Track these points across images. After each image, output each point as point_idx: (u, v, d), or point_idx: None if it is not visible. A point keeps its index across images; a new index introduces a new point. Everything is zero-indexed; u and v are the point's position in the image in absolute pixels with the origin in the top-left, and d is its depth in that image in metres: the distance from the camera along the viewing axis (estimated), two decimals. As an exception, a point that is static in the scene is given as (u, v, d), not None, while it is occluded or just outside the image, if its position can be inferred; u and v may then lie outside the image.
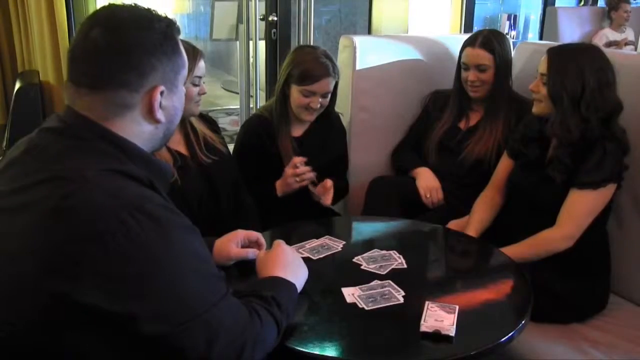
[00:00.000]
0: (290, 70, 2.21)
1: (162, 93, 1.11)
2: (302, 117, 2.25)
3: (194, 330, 1.03)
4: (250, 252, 1.58)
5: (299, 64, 2.19)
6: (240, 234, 1.61)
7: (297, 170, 2.15)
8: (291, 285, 1.36)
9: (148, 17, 1.11)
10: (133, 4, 1.14)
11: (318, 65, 2.17)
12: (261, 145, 2.27)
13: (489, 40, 2.36)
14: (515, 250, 1.86)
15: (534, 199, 2.01)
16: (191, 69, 1.77)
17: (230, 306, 1.11)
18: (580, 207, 1.90)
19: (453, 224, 2.19)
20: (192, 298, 1.04)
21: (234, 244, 1.59)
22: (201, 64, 1.87)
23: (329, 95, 2.24)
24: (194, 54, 1.83)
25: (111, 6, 1.13)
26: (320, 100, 2.20)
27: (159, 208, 1.02)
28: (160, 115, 1.12)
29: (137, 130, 1.12)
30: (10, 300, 1.00)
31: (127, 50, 1.07)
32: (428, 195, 2.39)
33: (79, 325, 0.98)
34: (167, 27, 1.12)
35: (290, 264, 1.43)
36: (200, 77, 1.87)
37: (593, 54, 1.93)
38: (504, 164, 2.20)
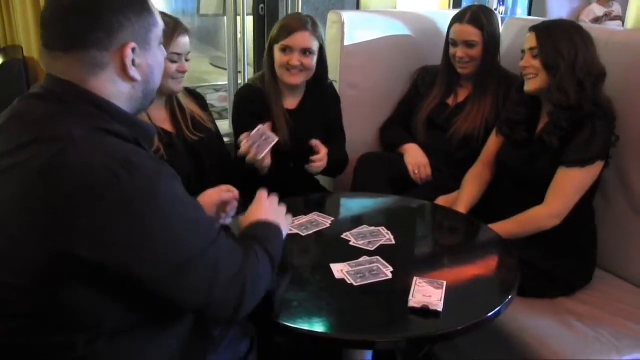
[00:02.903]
0: (271, 33, 2.21)
1: (133, 50, 1.11)
2: (285, 79, 2.20)
3: (192, 272, 1.06)
4: (223, 218, 1.61)
5: (279, 24, 2.21)
6: (215, 198, 1.62)
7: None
8: (277, 227, 1.38)
9: None
10: None
11: (294, 19, 2.19)
12: (257, 112, 2.22)
13: (477, 16, 2.35)
14: (503, 227, 1.87)
15: (522, 176, 2.02)
16: (167, 45, 1.72)
17: (225, 244, 1.15)
18: (568, 185, 1.91)
19: (442, 200, 2.20)
20: (187, 240, 1.07)
21: (207, 209, 1.58)
22: (181, 40, 1.84)
23: (311, 56, 2.19)
24: (173, 29, 1.81)
25: None
26: (299, 57, 2.16)
27: (146, 159, 1.05)
28: (134, 72, 1.12)
29: (115, 91, 1.12)
30: (8, 262, 1.01)
31: (94, 9, 1.07)
32: (416, 172, 2.40)
33: (81, 281, 1.00)
34: None
35: (273, 210, 1.45)
36: (179, 54, 1.84)
37: (575, 25, 1.98)
38: (493, 141, 2.20)
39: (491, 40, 2.36)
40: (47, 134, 1.03)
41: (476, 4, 2.59)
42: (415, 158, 2.42)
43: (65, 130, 1.02)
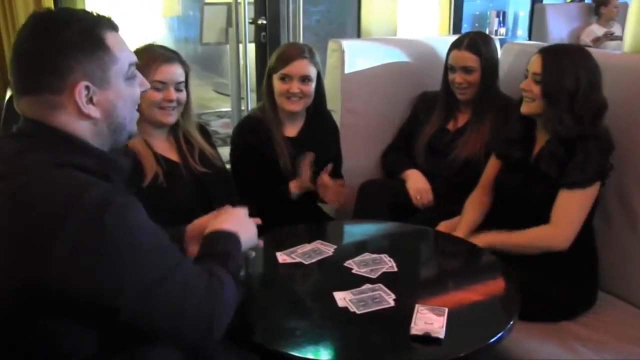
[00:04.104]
0: (270, 63, 2.27)
1: (88, 88, 1.12)
2: (285, 106, 2.24)
3: (152, 299, 1.07)
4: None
5: (276, 53, 2.26)
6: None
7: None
8: (233, 235, 1.36)
9: (65, 19, 1.14)
10: (61, 7, 1.19)
11: (291, 48, 2.26)
12: (257, 144, 2.27)
13: (474, 42, 2.39)
14: (512, 239, 1.90)
15: (519, 199, 2.03)
16: (147, 74, 1.71)
17: (187, 272, 1.15)
18: (574, 207, 1.92)
19: (443, 226, 2.21)
20: (141, 268, 1.07)
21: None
22: (165, 68, 1.85)
23: (310, 83, 2.23)
24: (155, 58, 1.84)
25: (37, 12, 1.18)
26: (299, 85, 2.20)
27: (103, 190, 1.06)
28: (89, 110, 1.13)
29: (79, 128, 1.14)
30: None
31: (41, 55, 1.11)
32: (418, 197, 2.41)
33: (48, 310, 1.03)
34: (86, 26, 1.13)
35: (231, 219, 1.42)
36: (163, 83, 1.85)
37: (584, 54, 1.97)
38: (492, 165, 2.22)
39: (489, 65, 2.39)
40: (13, 170, 1.07)
41: (475, 29, 2.63)
42: (416, 184, 2.44)
43: (29, 165, 1.07)
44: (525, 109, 2.01)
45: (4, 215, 1.04)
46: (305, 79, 2.21)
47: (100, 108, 1.15)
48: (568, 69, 1.91)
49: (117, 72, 1.17)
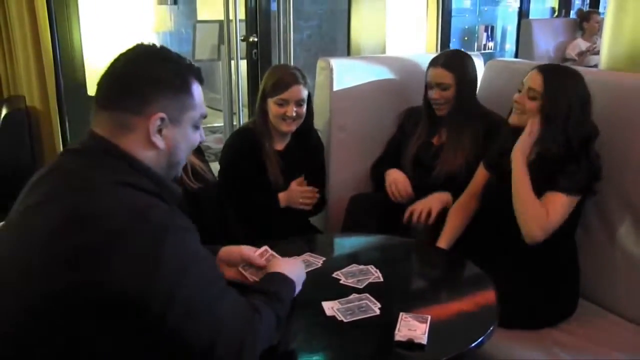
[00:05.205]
0: (264, 86, 2.39)
1: (162, 120, 1.22)
2: (282, 128, 2.38)
3: (196, 321, 1.13)
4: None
5: (271, 78, 2.37)
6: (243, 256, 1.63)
7: (303, 189, 2.39)
8: (291, 281, 1.48)
9: (164, 57, 1.27)
10: (162, 46, 1.31)
11: (287, 74, 2.36)
12: (248, 153, 2.40)
13: (450, 60, 2.48)
14: (524, 187, 1.97)
15: (507, 208, 2.05)
16: None
17: (232, 302, 1.22)
18: (556, 207, 1.96)
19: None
20: (190, 291, 1.13)
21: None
22: None
23: (304, 105, 2.38)
24: None
25: (143, 44, 1.30)
26: (295, 108, 2.34)
27: (159, 213, 1.14)
28: (157, 140, 1.23)
29: (142, 154, 1.23)
30: (25, 295, 1.09)
31: (134, 78, 1.23)
32: (393, 187, 2.49)
33: (92, 319, 1.08)
34: (180, 68, 1.27)
35: (291, 265, 1.56)
36: None
37: (579, 79, 2.04)
38: (480, 174, 2.28)
39: (464, 82, 2.47)
40: (77, 185, 1.15)
41: (464, 43, 2.70)
42: (391, 175, 2.53)
43: (92, 183, 1.15)
44: (514, 120, 2.07)
45: (64, 227, 1.09)
46: (300, 102, 2.36)
47: (166, 141, 1.25)
48: (566, 91, 1.98)
49: (190, 117, 1.28)
